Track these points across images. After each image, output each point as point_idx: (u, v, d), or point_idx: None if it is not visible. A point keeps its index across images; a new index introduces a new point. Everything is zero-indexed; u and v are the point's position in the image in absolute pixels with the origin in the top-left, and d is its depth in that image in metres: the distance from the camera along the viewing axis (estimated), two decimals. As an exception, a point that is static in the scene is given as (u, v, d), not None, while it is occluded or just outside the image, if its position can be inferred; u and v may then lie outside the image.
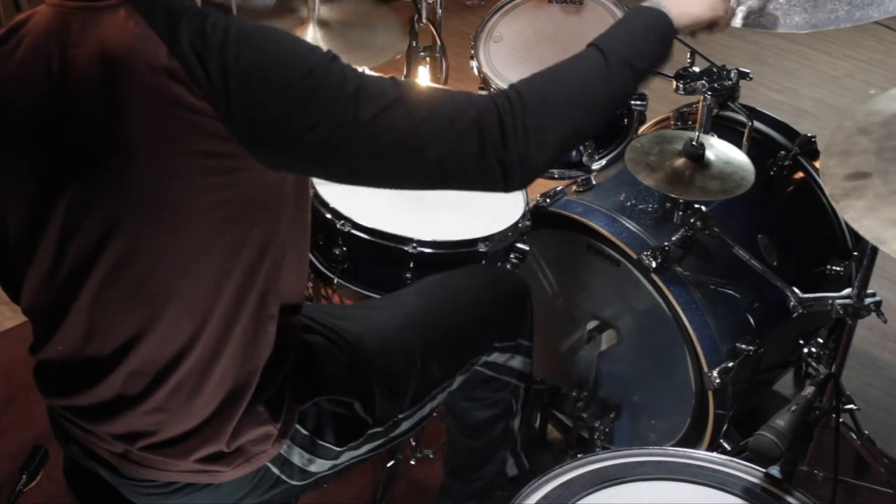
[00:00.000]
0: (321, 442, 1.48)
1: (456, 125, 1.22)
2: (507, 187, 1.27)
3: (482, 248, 1.92)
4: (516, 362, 1.79)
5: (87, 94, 1.18)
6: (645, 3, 1.40)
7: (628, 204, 2.10)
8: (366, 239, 1.91)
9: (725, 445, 2.08)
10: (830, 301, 1.92)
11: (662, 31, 1.37)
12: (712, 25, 1.47)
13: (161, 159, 1.18)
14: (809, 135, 2.29)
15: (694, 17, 1.41)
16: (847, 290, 1.92)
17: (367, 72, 2.26)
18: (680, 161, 1.92)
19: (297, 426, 1.44)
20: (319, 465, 1.49)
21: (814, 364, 2.15)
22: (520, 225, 2.00)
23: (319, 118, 1.18)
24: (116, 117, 1.17)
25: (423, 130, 1.21)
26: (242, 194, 1.22)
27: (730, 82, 1.99)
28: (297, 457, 1.46)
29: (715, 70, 2.00)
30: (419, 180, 1.30)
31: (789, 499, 1.31)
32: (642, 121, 2.32)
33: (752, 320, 2.05)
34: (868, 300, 1.90)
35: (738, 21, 1.64)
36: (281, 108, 1.17)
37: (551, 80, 1.30)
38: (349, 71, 1.21)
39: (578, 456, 1.38)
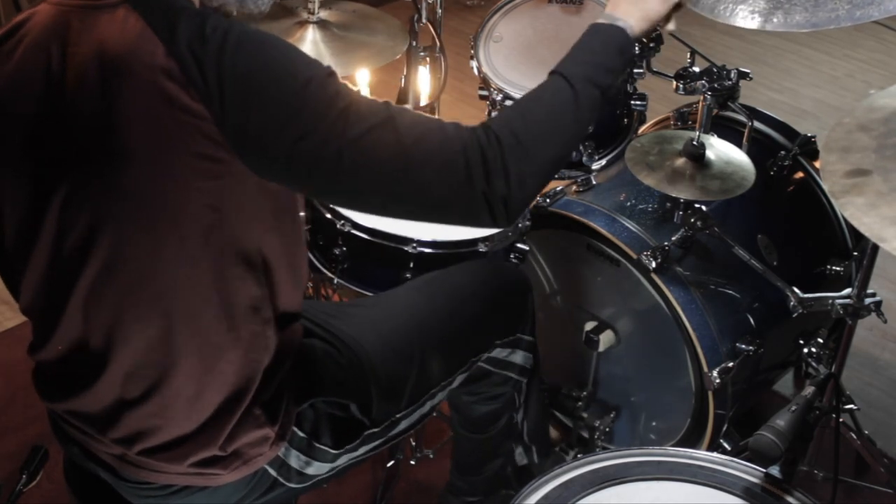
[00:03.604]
0: (318, 445, 1.48)
1: (443, 153, 1.22)
2: (494, 223, 1.27)
3: (482, 248, 1.92)
4: (517, 357, 1.78)
5: (84, 93, 1.18)
6: (599, 20, 1.41)
7: (628, 204, 2.10)
8: (366, 239, 1.91)
9: (725, 445, 2.08)
10: (830, 301, 1.92)
11: (622, 45, 1.38)
12: (676, 7, 1.47)
13: (155, 159, 1.18)
14: (809, 135, 2.29)
15: (653, 17, 1.42)
16: (847, 290, 1.92)
17: (367, 77, 2.27)
18: (680, 161, 1.92)
19: (295, 429, 1.44)
20: (317, 468, 1.49)
21: (814, 364, 2.15)
22: (520, 225, 2.00)
23: (308, 131, 1.18)
24: (113, 116, 1.17)
25: (410, 154, 1.21)
26: (233, 200, 1.22)
27: (730, 82, 1.99)
28: (295, 459, 1.46)
29: (715, 70, 2.00)
30: (407, 207, 1.28)
31: (789, 499, 1.31)
32: (642, 121, 2.32)
33: (752, 320, 2.05)
34: (868, 300, 1.90)
35: (749, 23, 1.63)
36: (271, 116, 1.17)
37: (523, 117, 1.29)
38: (343, 88, 1.21)
39: (578, 456, 1.38)
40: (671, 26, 1.53)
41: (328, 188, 1.26)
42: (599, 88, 1.33)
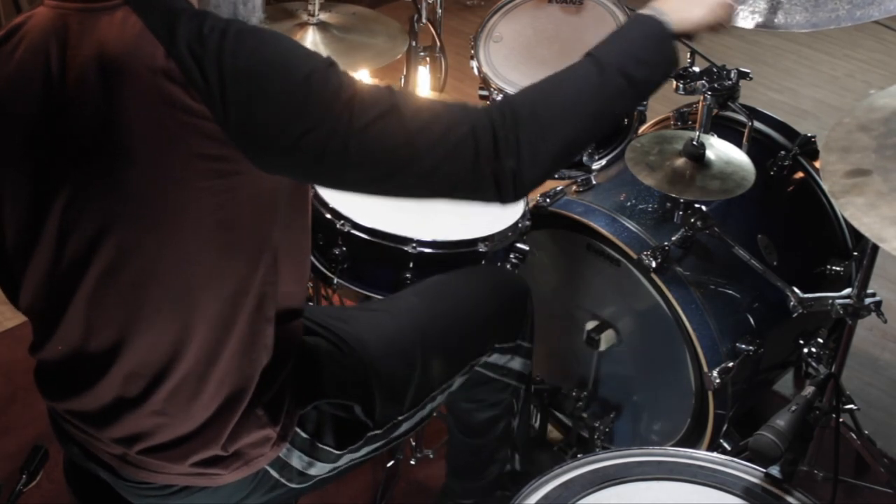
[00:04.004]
0: (321, 445, 1.48)
1: (450, 136, 1.22)
2: (502, 199, 1.27)
3: (482, 248, 1.92)
4: (516, 363, 1.79)
5: (84, 95, 1.18)
6: (643, 11, 1.38)
7: (628, 204, 2.10)
8: (366, 239, 1.91)
9: (725, 445, 2.08)
10: (830, 301, 1.92)
11: (659, 38, 1.35)
12: (714, 27, 1.46)
13: (157, 160, 1.18)
14: (809, 135, 2.29)
15: (696, 22, 1.39)
16: (847, 290, 1.92)
17: (367, 78, 2.28)
18: (680, 161, 1.92)
19: (297, 429, 1.44)
20: (319, 469, 1.49)
21: (814, 364, 2.15)
22: (520, 225, 2.00)
23: (313, 124, 1.18)
24: (113, 118, 1.17)
25: (417, 140, 1.21)
26: (238, 198, 1.22)
27: (730, 82, 1.99)
28: (297, 460, 1.46)
29: (715, 70, 2.00)
30: (414, 190, 1.29)
31: (789, 499, 1.30)
32: (642, 121, 2.32)
33: (752, 320, 2.05)
34: (868, 300, 1.90)
35: (749, 23, 1.64)
36: (275, 112, 1.17)
37: (544, 92, 1.28)
38: (346, 78, 1.21)
39: (578, 456, 1.38)
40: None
41: (335, 179, 1.26)
42: (629, 80, 1.30)
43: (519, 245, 2.01)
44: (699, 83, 1.97)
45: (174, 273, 1.24)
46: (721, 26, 1.45)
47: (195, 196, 1.19)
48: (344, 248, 1.95)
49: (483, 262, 1.94)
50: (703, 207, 2.01)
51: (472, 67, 2.24)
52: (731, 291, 2.05)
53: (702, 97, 1.99)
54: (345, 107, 1.19)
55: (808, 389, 1.36)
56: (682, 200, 2.03)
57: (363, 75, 2.31)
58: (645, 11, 1.38)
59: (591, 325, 2.14)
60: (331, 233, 1.95)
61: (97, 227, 1.22)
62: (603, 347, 2.12)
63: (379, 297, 1.93)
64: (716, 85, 1.98)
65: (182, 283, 1.25)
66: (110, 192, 1.20)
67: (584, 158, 2.24)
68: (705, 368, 1.95)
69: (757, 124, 2.25)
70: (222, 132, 1.16)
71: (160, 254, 1.23)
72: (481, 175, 1.23)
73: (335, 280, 1.97)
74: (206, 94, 1.15)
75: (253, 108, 1.16)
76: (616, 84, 1.30)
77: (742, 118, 2.16)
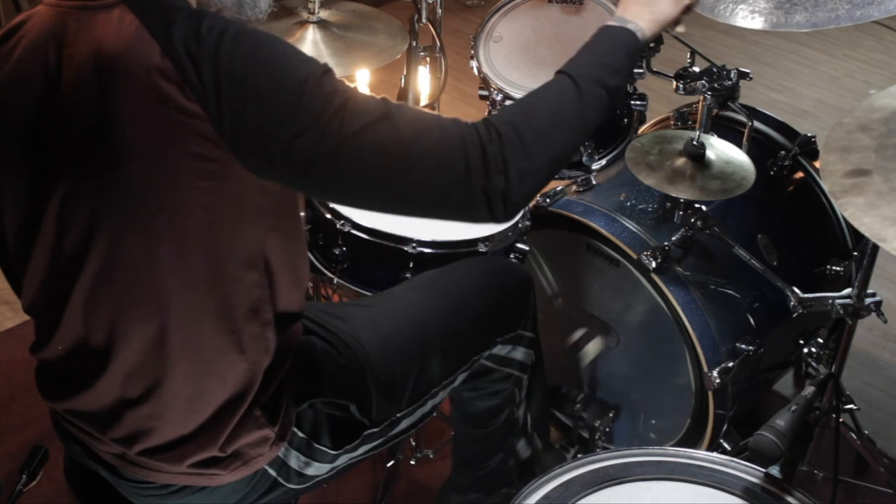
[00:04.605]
0: (317, 445, 1.48)
1: (441, 148, 1.22)
2: (493, 218, 1.27)
3: (482, 248, 1.92)
4: (518, 353, 1.78)
5: (80, 93, 1.19)
6: (609, 22, 1.42)
7: (628, 204, 2.10)
8: (365, 239, 1.91)
9: (725, 445, 2.08)
10: (830, 301, 1.92)
11: (630, 46, 1.39)
12: (685, 10, 1.48)
13: (151, 159, 1.18)
14: (809, 135, 2.29)
15: (666, 17, 1.43)
16: (847, 290, 1.92)
17: (367, 77, 2.28)
18: (680, 161, 1.92)
19: (294, 429, 1.44)
20: (317, 469, 1.49)
21: (814, 364, 2.15)
22: (520, 225, 2.00)
23: (304, 128, 1.18)
24: (109, 115, 1.18)
25: (408, 149, 1.21)
26: (231, 200, 1.22)
27: (730, 82, 1.99)
28: (294, 460, 1.46)
29: (715, 70, 2.00)
30: (404, 204, 1.28)
31: (789, 499, 1.31)
32: (642, 121, 2.32)
33: (752, 320, 2.05)
34: (868, 300, 1.90)
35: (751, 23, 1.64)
36: (267, 115, 1.17)
37: (525, 112, 1.29)
38: (340, 85, 1.21)
39: (578, 456, 1.38)
40: (681, 28, 1.53)
41: (325, 186, 1.26)
42: (605, 88, 1.33)
43: (519, 245, 2.01)
44: (699, 83, 1.97)
45: (167, 273, 1.24)
46: (690, 7, 1.47)
47: (188, 196, 1.19)
48: (344, 248, 1.95)
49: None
50: (703, 207, 2.01)
51: (472, 67, 2.24)
52: (731, 291, 2.05)
53: (702, 97, 1.99)
54: (336, 113, 1.19)
55: (808, 389, 1.36)
56: (682, 200, 2.03)
57: (363, 74, 2.32)
58: (611, 23, 1.41)
59: (591, 325, 2.14)
60: (331, 233, 1.95)
61: (92, 225, 1.22)
62: (603, 347, 2.12)
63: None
64: (716, 85, 1.98)
65: (175, 283, 1.25)
66: (105, 190, 1.21)
67: (584, 158, 2.24)
68: (705, 368, 1.95)
69: (757, 124, 2.25)
70: (215, 133, 1.16)
71: (153, 253, 1.23)
72: (471, 190, 1.23)
73: (335, 280, 1.97)
74: (200, 94, 1.15)
75: (246, 110, 1.16)
76: (594, 94, 1.32)
77: (742, 118, 2.16)
